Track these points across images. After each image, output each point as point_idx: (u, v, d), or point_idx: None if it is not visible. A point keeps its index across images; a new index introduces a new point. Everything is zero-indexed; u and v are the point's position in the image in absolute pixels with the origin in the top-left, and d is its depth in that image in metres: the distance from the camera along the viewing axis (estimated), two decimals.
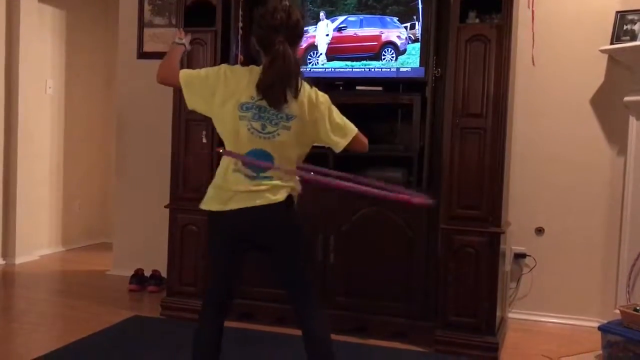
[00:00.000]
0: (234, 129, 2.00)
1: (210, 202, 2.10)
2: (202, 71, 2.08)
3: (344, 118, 2.12)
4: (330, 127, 2.07)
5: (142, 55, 4.46)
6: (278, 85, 1.96)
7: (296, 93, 1.99)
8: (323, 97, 2.08)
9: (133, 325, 3.44)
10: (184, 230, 3.56)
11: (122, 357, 2.96)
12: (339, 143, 2.09)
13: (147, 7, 4.43)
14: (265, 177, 2.00)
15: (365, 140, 2.15)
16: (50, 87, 5.28)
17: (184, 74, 2.09)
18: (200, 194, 3.48)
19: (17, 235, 4.85)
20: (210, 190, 2.12)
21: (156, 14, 4.42)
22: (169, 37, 4.13)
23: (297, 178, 2.09)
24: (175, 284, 3.61)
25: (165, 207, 3.63)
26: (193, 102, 2.09)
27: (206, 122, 3.51)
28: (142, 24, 4.45)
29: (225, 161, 2.07)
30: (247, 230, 2.06)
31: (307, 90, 2.05)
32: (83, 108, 5.66)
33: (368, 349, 3.08)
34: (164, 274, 3.95)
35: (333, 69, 3.50)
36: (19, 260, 4.85)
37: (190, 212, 3.54)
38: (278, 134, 1.99)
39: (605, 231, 3.67)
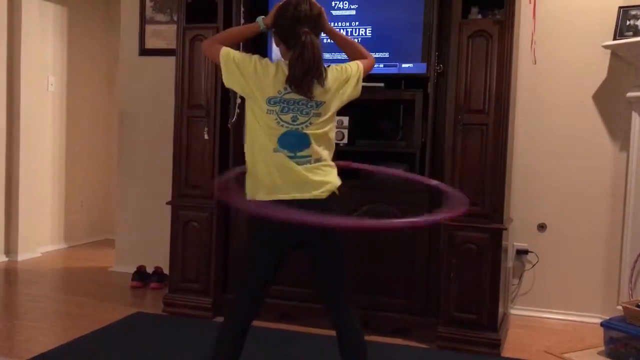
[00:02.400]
0: (264, 122, 2.02)
1: (258, 191, 2.04)
2: (237, 56, 2.06)
3: (346, 66, 2.15)
4: (350, 91, 2.14)
5: (144, 52, 4.47)
6: (308, 75, 1.98)
7: (323, 81, 2.03)
8: (345, 73, 2.12)
9: (135, 322, 3.45)
10: (186, 227, 3.56)
11: (125, 353, 2.97)
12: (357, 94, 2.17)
13: (148, 3, 4.43)
14: (304, 157, 2.02)
15: (368, 63, 2.23)
16: (52, 84, 5.28)
17: (224, 52, 2.07)
18: (202, 191, 3.53)
19: (19, 232, 4.86)
20: (252, 179, 2.07)
21: (158, 11, 4.41)
22: (171, 33, 4.14)
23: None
24: (178, 280, 3.61)
25: (167, 203, 3.63)
26: (229, 82, 2.10)
27: (208, 118, 3.54)
28: (143, 21, 4.45)
29: (258, 144, 2.04)
30: (301, 226, 1.97)
31: (331, 74, 2.07)
32: (85, 105, 5.67)
33: (370, 345, 3.06)
34: (166, 270, 3.96)
35: None
36: (21, 257, 4.86)
37: (192, 208, 3.55)
38: (310, 123, 2.03)
39: (608, 227, 3.66)
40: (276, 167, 2.01)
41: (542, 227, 3.78)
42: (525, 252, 3.78)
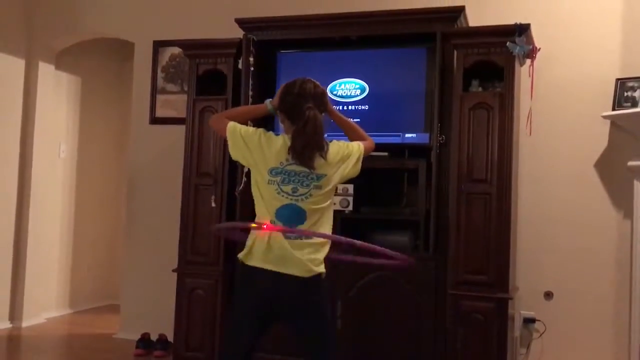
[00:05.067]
0: (265, 192, 2.10)
1: (248, 256, 2.12)
2: (243, 130, 2.16)
3: (348, 144, 2.24)
4: (350, 168, 2.21)
5: (155, 120, 4.57)
6: (309, 147, 2.06)
7: (325, 154, 2.11)
8: (347, 150, 2.21)
9: None
10: (191, 295, 3.57)
11: None
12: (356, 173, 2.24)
13: (160, 74, 4.57)
14: (299, 237, 2.08)
15: (368, 145, 2.31)
16: (63, 151, 5.39)
17: (231, 126, 2.18)
18: (209, 258, 3.55)
19: (25, 298, 4.84)
20: (250, 244, 2.14)
21: (169, 81, 4.55)
22: (181, 103, 4.26)
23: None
24: (182, 349, 3.59)
25: (173, 271, 3.64)
26: (235, 154, 2.19)
27: (215, 186, 3.61)
28: (154, 91, 4.58)
29: (259, 214, 2.14)
30: (279, 298, 2.08)
31: (332, 148, 2.16)
32: (95, 171, 5.76)
33: None
34: (170, 338, 3.92)
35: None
36: (25, 323, 4.82)
37: (198, 276, 3.57)
38: (310, 195, 2.09)
39: (615, 294, 3.63)
40: (267, 238, 2.06)
41: (548, 295, 3.75)
42: (533, 320, 3.73)
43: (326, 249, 2.14)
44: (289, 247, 2.05)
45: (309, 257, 2.07)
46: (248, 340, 2.12)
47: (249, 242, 2.14)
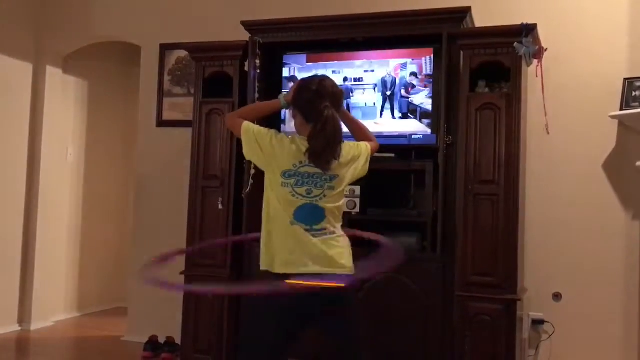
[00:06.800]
0: (280, 194, 2.08)
1: (274, 263, 2.08)
2: (256, 130, 2.14)
3: (357, 144, 2.24)
4: (360, 169, 2.22)
5: (161, 123, 4.59)
6: (328, 148, 2.05)
7: (338, 155, 2.10)
8: (357, 150, 2.21)
9: None
10: (199, 297, 3.57)
11: None
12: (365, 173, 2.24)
13: (166, 77, 4.59)
14: (320, 230, 2.06)
15: (374, 146, 2.31)
16: (71, 154, 5.42)
17: (245, 126, 2.15)
18: (216, 261, 3.56)
19: (33, 301, 4.87)
20: (268, 250, 2.10)
21: (175, 84, 4.57)
22: (187, 106, 4.28)
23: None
24: (190, 351, 3.59)
25: (181, 273, 3.64)
26: (249, 155, 2.17)
27: (222, 188, 3.61)
28: (161, 94, 4.59)
29: (275, 216, 2.09)
30: (317, 300, 2.02)
31: (344, 149, 2.14)
32: (102, 174, 5.78)
33: None
34: (178, 340, 3.93)
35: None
36: (34, 326, 4.85)
37: (205, 278, 3.56)
38: (324, 195, 2.08)
39: (624, 295, 3.60)
40: (293, 240, 2.04)
41: (557, 296, 3.73)
42: (541, 322, 3.71)
43: (348, 241, 2.14)
44: (320, 244, 2.03)
45: (339, 253, 2.07)
46: (280, 350, 2.07)
47: (267, 254, 2.10)
